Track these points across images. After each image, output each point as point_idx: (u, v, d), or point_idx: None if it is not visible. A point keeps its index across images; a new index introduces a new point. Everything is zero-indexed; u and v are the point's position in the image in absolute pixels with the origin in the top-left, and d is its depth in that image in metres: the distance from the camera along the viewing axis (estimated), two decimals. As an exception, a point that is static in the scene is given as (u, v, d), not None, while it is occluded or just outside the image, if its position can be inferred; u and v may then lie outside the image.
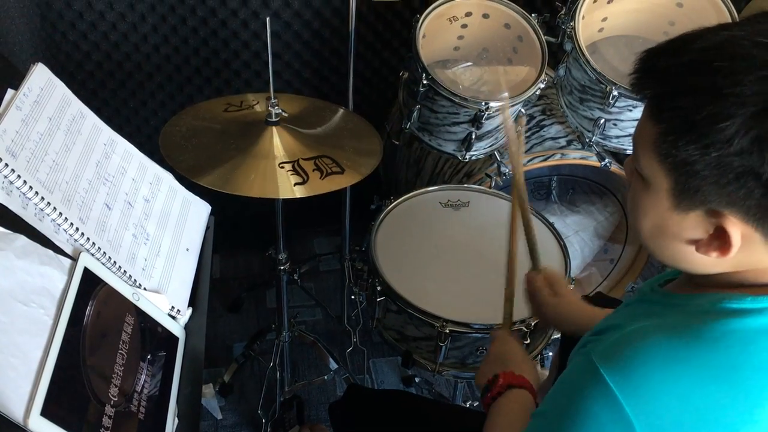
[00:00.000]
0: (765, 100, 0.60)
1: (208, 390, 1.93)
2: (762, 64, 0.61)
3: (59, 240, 0.86)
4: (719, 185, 0.64)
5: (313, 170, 1.30)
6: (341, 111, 1.56)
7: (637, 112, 1.62)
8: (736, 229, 0.66)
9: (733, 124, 0.61)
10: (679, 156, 0.66)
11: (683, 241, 0.71)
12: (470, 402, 1.87)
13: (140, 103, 2.08)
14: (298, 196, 1.26)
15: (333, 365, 1.92)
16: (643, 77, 0.69)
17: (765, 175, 0.62)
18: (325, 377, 1.95)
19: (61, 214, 0.86)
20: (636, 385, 0.66)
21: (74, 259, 0.86)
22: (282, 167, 1.28)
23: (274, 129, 1.36)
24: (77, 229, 0.88)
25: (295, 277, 1.79)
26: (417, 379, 2.02)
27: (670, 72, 0.66)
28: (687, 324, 0.69)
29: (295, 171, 1.28)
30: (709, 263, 0.70)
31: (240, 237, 2.31)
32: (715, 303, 0.70)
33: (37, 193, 0.84)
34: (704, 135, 0.63)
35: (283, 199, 1.49)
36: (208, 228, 1.14)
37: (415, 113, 1.68)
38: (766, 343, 0.66)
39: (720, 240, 0.67)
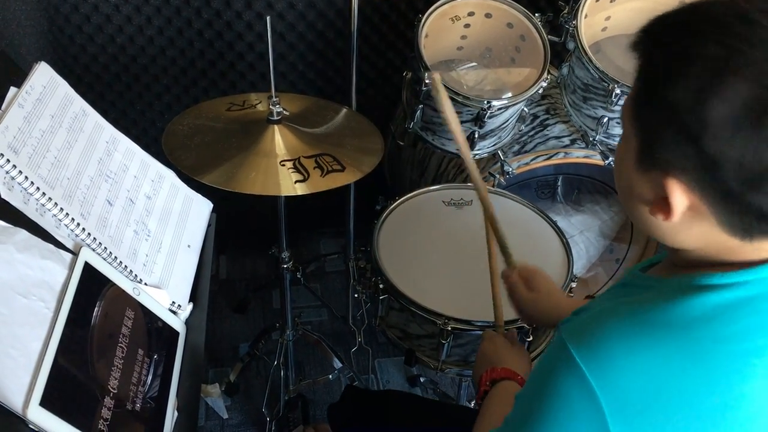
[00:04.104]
0: (716, 67, 0.61)
1: (215, 390, 1.94)
2: (723, 28, 0.62)
3: (60, 235, 0.87)
4: (667, 147, 0.65)
5: (314, 168, 1.31)
6: (343, 110, 1.57)
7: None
8: (680, 194, 0.66)
9: (681, 86, 0.62)
10: (643, 115, 0.68)
11: (641, 202, 0.72)
12: (474, 402, 1.86)
13: (146, 105, 2.10)
14: (300, 194, 1.27)
15: (338, 364, 1.93)
16: (636, 38, 0.70)
17: (701, 140, 0.62)
18: (330, 376, 1.95)
19: (62, 209, 0.87)
20: (600, 360, 0.67)
21: (75, 254, 0.87)
22: (283, 165, 1.29)
23: (276, 127, 1.37)
24: (78, 224, 0.89)
25: (299, 276, 1.80)
26: (422, 379, 2.02)
27: (652, 33, 0.68)
28: (654, 301, 0.69)
29: (296, 169, 1.29)
30: (668, 230, 0.71)
31: (247, 239, 2.33)
32: (686, 281, 0.70)
33: (38, 188, 0.85)
34: (658, 93, 0.65)
35: (285, 197, 1.50)
36: (209, 225, 1.15)
37: (418, 113, 1.69)
38: (731, 316, 0.66)
39: (665, 203, 0.68)
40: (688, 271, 0.72)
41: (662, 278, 0.77)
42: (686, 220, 0.69)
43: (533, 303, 1.11)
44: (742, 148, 0.61)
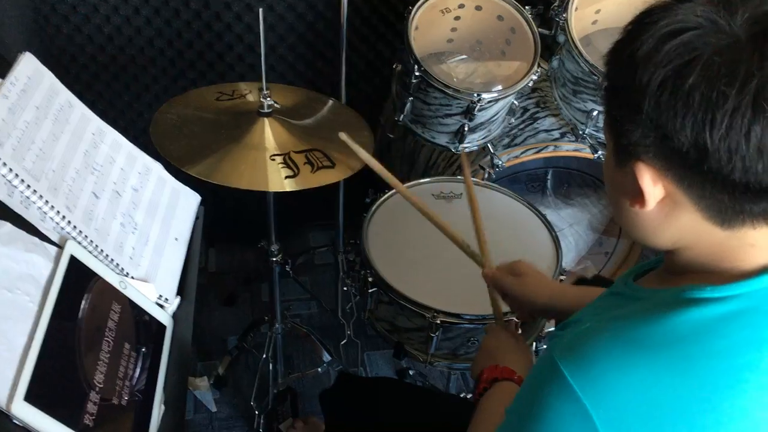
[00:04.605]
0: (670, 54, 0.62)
1: (203, 383, 1.93)
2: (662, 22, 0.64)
3: (45, 228, 0.86)
4: (627, 131, 0.66)
5: (304, 164, 1.30)
6: (333, 103, 1.56)
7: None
8: (649, 177, 0.67)
9: (622, 63, 0.66)
10: (609, 107, 0.70)
11: (623, 196, 0.72)
12: (464, 394, 1.87)
13: (134, 96, 2.08)
14: (289, 190, 1.26)
15: (327, 357, 1.92)
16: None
17: (645, 110, 0.63)
18: (319, 369, 1.95)
19: (47, 202, 0.86)
20: (592, 380, 0.66)
21: (60, 247, 0.86)
22: (273, 159, 1.29)
23: (266, 120, 1.36)
24: (64, 217, 0.88)
25: (288, 268, 1.80)
26: (411, 372, 2.02)
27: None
28: (644, 316, 0.69)
29: (286, 164, 1.28)
30: (650, 225, 0.71)
31: (236, 231, 2.31)
32: (676, 294, 0.69)
33: (23, 180, 0.84)
34: (610, 80, 0.69)
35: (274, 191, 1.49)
36: (197, 218, 1.14)
37: (408, 105, 1.68)
38: (722, 331, 0.66)
39: (642, 192, 0.68)
40: (680, 281, 0.72)
41: (653, 289, 0.76)
42: (666, 211, 0.68)
43: (522, 286, 1.11)
44: (681, 114, 0.61)
